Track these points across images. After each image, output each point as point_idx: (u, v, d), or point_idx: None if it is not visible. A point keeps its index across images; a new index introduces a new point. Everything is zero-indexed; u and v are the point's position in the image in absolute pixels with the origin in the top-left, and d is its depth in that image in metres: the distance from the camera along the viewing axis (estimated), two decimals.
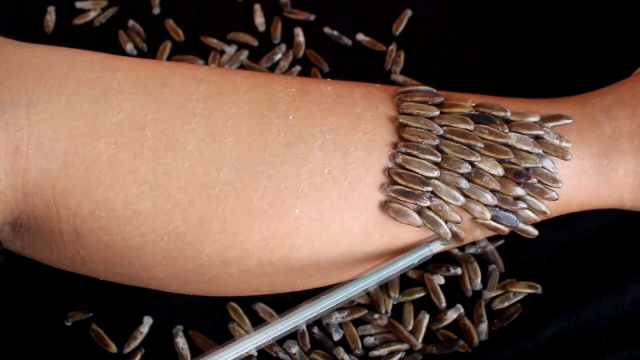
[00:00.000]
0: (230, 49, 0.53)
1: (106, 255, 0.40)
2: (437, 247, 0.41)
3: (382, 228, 0.41)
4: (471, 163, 0.41)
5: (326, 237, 0.40)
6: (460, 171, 0.40)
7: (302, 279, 0.42)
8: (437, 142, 0.41)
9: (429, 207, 0.41)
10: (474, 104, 0.42)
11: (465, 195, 0.41)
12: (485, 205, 0.41)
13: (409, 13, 0.54)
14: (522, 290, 0.45)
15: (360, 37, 0.54)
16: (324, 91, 0.42)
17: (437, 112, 0.41)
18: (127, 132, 0.39)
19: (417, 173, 0.40)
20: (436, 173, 0.40)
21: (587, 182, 0.43)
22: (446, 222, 0.41)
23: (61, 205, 0.39)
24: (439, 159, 0.40)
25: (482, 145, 0.41)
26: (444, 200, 0.40)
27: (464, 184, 0.40)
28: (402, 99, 0.42)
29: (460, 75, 0.52)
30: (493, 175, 0.41)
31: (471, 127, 0.41)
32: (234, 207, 0.39)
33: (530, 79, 0.52)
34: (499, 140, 0.41)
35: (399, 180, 0.40)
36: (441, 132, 0.41)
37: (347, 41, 0.54)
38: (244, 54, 0.53)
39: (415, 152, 0.40)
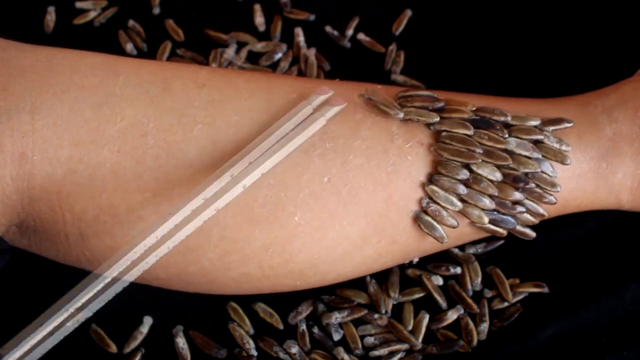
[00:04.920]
0: (231, 49, 0.53)
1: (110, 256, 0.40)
2: (331, 112, 0.40)
3: (380, 233, 0.41)
4: (469, 169, 0.41)
5: (325, 243, 0.40)
6: (459, 177, 0.40)
7: (302, 280, 0.42)
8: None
9: (426, 212, 0.41)
10: (474, 109, 0.42)
11: (463, 200, 0.41)
12: (483, 209, 0.41)
13: (409, 13, 0.54)
14: (529, 289, 0.45)
15: (360, 37, 0.54)
16: None
17: (437, 119, 0.41)
18: (130, 139, 0.39)
19: None
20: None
21: (585, 185, 0.43)
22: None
23: (66, 209, 0.39)
24: None
25: (481, 151, 0.41)
26: (441, 206, 0.41)
27: (462, 189, 0.41)
28: (402, 103, 0.42)
29: (460, 75, 0.52)
30: (491, 180, 0.41)
31: (471, 132, 0.41)
32: (235, 215, 0.39)
33: (530, 79, 0.52)
34: (498, 146, 0.41)
35: None
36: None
37: (347, 42, 0.54)
38: (244, 53, 0.53)
39: None
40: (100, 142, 0.38)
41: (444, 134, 0.41)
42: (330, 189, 0.40)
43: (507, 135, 0.41)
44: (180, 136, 0.39)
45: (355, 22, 0.54)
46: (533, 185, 0.41)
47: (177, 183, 0.39)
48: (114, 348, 0.45)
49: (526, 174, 0.41)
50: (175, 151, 0.39)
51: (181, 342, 0.45)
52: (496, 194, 0.41)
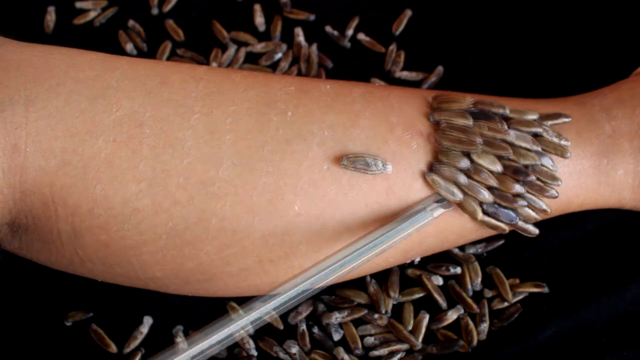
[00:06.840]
0: (231, 49, 0.53)
1: (104, 254, 0.40)
2: (438, 212, 0.40)
3: (382, 223, 0.41)
4: (470, 158, 0.41)
5: (326, 234, 0.40)
6: (460, 166, 0.40)
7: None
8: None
9: None
10: (473, 101, 0.42)
11: (463, 192, 0.41)
12: (482, 202, 0.41)
13: (409, 13, 0.54)
14: (529, 289, 0.45)
15: (360, 37, 0.54)
16: (322, 90, 0.42)
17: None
18: (126, 129, 0.39)
19: None
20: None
21: (587, 182, 0.43)
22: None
23: (59, 203, 0.39)
24: None
25: (481, 141, 0.41)
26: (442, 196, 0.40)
27: (463, 179, 0.40)
28: None
29: (460, 75, 0.52)
30: (492, 171, 0.41)
31: (470, 122, 0.41)
32: (233, 205, 0.39)
33: (529, 79, 0.52)
34: (498, 136, 0.41)
35: None
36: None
37: (347, 42, 0.54)
38: (242, 52, 0.53)
39: None
40: (95, 133, 0.38)
41: (443, 124, 0.41)
42: (330, 177, 0.40)
43: (506, 127, 0.41)
44: (177, 126, 0.39)
45: (355, 22, 0.54)
46: (534, 177, 0.41)
47: (173, 172, 0.39)
48: (114, 348, 0.45)
49: (526, 166, 0.41)
50: (172, 141, 0.39)
51: (181, 342, 0.45)
52: (496, 185, 0.41)
